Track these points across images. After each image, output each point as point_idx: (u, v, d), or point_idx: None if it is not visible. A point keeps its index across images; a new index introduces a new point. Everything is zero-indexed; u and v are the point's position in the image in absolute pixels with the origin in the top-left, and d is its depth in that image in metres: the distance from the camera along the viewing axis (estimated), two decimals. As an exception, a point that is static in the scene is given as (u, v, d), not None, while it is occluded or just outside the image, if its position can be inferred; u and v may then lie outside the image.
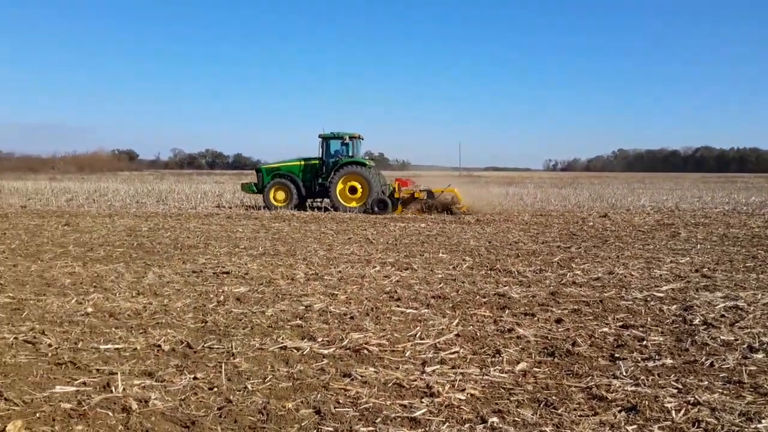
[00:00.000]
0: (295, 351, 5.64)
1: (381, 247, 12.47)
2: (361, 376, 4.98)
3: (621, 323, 6.67)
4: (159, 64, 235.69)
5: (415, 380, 4.89)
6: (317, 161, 22.90)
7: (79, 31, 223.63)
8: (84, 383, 4.78)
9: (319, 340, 5.95)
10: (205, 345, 5.78)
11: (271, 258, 10.95)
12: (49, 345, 5.71)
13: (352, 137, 22.60)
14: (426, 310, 7.11)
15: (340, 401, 4.49)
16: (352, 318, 6.77)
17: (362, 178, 21.70)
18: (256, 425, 4.09)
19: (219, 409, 4.31)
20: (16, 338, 5.88)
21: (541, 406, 4.42)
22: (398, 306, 7.33)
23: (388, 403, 4.45)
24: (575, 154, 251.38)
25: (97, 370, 5.09)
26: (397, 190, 21.90)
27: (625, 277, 9.32)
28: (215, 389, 4.69)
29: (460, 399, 4.52)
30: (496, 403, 4.46)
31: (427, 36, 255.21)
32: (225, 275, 9.22)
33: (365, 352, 5.61)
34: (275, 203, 22.45)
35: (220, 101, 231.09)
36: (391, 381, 4.88)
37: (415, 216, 20.18)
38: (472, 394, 4.63)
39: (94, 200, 26.60)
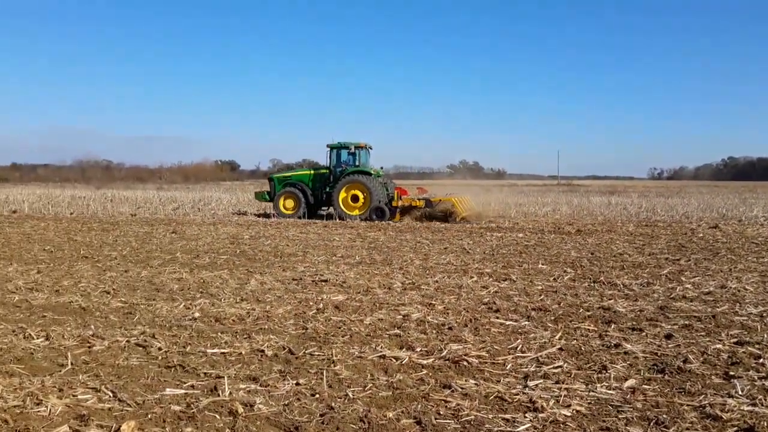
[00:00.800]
0: (394, 360, 5.64)
1: (478, 257, 12.33)
2: (462, 388, 4.91)
3: (735, 340, 6.30)
4: (260, 77, 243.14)
5: (518, 394, 4.78)
6: (326, 170, 23.57)
7: (185, 46, 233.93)
8: (192, 386, 4.95)
9: (418, 350, 5.92)
10: (306, 351, 5.87)
11: (368, 267, 11.03)
12: (159, 348, 5.94)
13: (357, 147, 23.19)
14: (526, 323, 6.96)
15: (441, 413, 4.44)
16: (450, 329, 6.71)
17: (364, 187, 22.13)
18: (357, 433, 4.11)
19: (321, 415, 4.36)
20: (128, 341, 6.16)
21: (652, 424, 4.23)
22: (497, 317, 7.21)
23: (490, 416, 4.37)
24: (681, 161, 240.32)
25: (205, 373, 5.26)
26: (396, 198, 22.46)
27: (739, 291, 8.82)
28: (317, 395, 4.74)
29: (565, 415, 4.38)
30: (604, 421, 4.30)
31: (524, 41, 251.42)
32: (323, 283, 9.35)
33: (465, 363, 5.54)
34: (284, 211, 23.11)
35: (318, 111, 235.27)
36: (493, 394, 4.80)
37: (512, 226, 19.86)
38: (577, 411, 4.48)
39: (199, 209, 27.68)
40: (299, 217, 22.70)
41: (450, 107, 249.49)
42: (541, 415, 4.38)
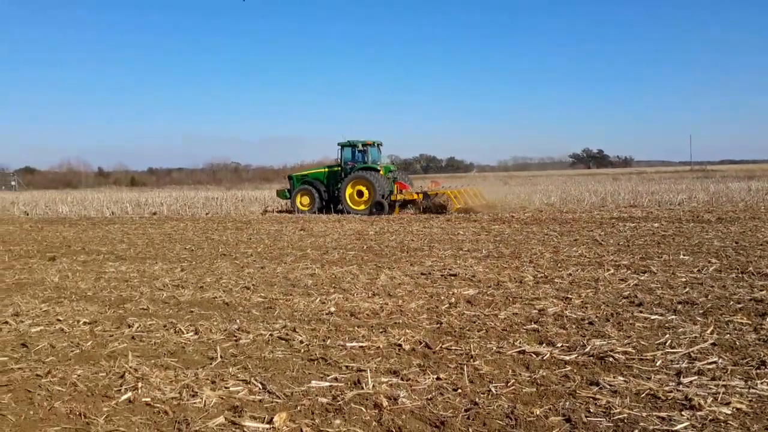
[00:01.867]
0: (535, 356, 5.50)
1: (612, 248, 11.85)
2: (610, 385, 4.71)
3: None
4: (378, 75, 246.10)
5: (671, 391, 4.53)
6: (338, 168, 24.67)
7: (294, 49, 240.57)
8: (336, 379, 5.04)
9: (559, 345, 5.74)
10: (443, 346, 5.83)
11: (496, 260, 10.87)
12: (301, 342, 6.10)
13: (365, 144, 24.25)
14: (673, 317, 6.59)
15: (591, 410, 4.27)
16: (591, 323, 6.46)
17: (368, 182, 23.02)
18: (505, 429, 4.03)
19: (466, 410, 4.31)
20: (271, 335, 6.36)
21: (827, 426, 3.88)
22: (641, 312, 6.88)
23: (644, 414, 4.16)
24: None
25: (346, 366, 5.34)
26: (395, 192, 23.12)
27: None
28: (459, 390, 4.70)
29: (726, 413, 4.11)
30: (769, 420, 3.99)
31: (651, 22, 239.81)
32: (452, 277, 9.30)
33: (611, 359, 5.31)
34: (301, 207, 24.53)
35: (434, 106, 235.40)
36: (644, 391, 4.57)
37: (646, 215, 18.98)
38: (738, 409, 4.18)
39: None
40: (314, 213, 23.90)
41: (572, 94, 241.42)
42: (699, 413, 4.12)
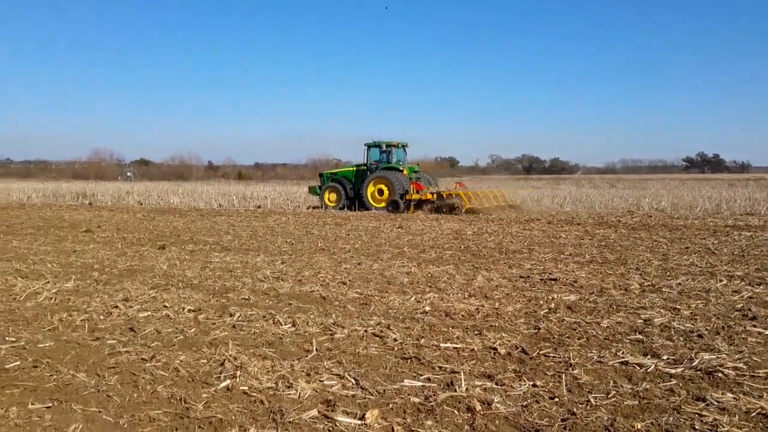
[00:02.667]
0: (638, 368, 5.25)
1: (725, 258, 11.21)
2: (717, 402, 4.43)
3: None
4: (485, 76, 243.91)
5: (789, 413, 4.21)
6: (365, 167, 25.90)
7: (400, 45, 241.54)
8: (429, 379, 4.99)
9: (664, 357, 5.46)
10: (540, 352, 5.67)
11: (600, 266, 10.50)
12: (395, 339, 6.09)
13: (389, 145, 25.54)
14: (792, 333, 6.15)
15: (696, 427, 4.03)
16: (699, 336, 6.12)
17: (388, 181, 24.13)
18: (604, 443, 3.86)
19: (563, 420, 4.16)
20: (365, 331, 6.39)
21: None
22: (754, 326, 6.45)
23: (757, 436, 3.89)
24: None
25: (440, 367, 5.28)
26: (411, 192, 23.74)
27: None
28: (556, 399, 4.54)
29: None
30: None
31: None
32: (553, 282, 9.05)
33: (719, 375, 5.00)
34: (328, 203, 26.01)
35: (535, 106, 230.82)
36: (755, 410, 4.26)
37: (763, 224, 17.88)
38: None
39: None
40: (341, 209, 25.24)
41: (687, 94, 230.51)
42: (820, 440, 3.81)
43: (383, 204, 24.31)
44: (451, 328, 6.49)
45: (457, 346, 5.87)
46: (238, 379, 4.92)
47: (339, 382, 4.91)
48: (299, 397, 4.59)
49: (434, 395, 4.60)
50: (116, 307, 7.34)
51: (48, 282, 8.78)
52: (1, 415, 4.22)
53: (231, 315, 7.04)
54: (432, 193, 23.63)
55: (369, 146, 25.89)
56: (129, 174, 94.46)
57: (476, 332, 6.35)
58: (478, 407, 4.36)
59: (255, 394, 4.63)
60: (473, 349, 5.76)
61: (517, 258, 11.53)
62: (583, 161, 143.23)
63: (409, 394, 4.65)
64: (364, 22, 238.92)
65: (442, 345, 5.89)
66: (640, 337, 6.14)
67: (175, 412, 4.34)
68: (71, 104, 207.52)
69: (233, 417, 4.25)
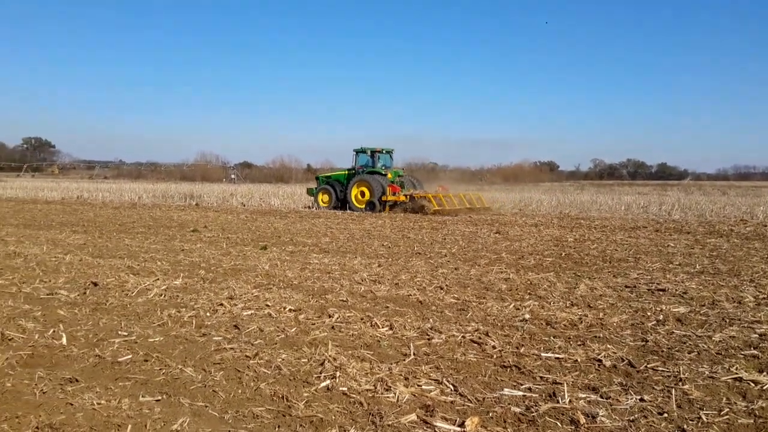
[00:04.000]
0: (753, 384, 4.94)
1: None
2: None
3: None
4: (589, 75, 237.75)
5: None
6: (354, 171, 27.88)
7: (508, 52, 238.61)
8: (529, 389, 4.87)
9: (785, 376, 5.11)
10: (648, 366, 5.43)
11: (711, 277, 9.98)
12: (493, 347, 5.98)
13: (374, 151, 27.59)
14: None
15: (824, 454, 3.74)
16: (825, 355, 5.69)
17: (368, 184, 26.09)
18: (719, 465, 3.64)
19: (673, 438, 3.96)
20: (463, 337, 6.31)
21: None
22: None
23: None
24: None
25: (541, 377, 5.15)
26: (387, 193, 25.48)
27: None
28: (665, 415, 4.33)
29: None
30: None
31: None
32: (661, 292, 8.66)
33: None
34: (321, 204, 28.11)
35: (642, 108, 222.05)
36: None
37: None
38: None
39: (519, 210, 27.93)
40: (333, 209, 27.14)
41: None
42: None
43: (364, 205, 26.38)
44: (552, 338, 6.32)
45: (559, 356, 5.71)
46: (337, 380, 4.96)
47: (437, 387, 4.86)
48: (398, 400, 4.58)
49: (536, 406, 4.48)
50: (221, 304, 7.58)
51: (158, 279, 9.18)
52: (115, 406, 4.43)
53: (330, 316, 7.12)
54: (405, 195, 25.50)
55: (357, 152, 28.06)
56: (233, 176, 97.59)
57: (579, 343, 6.16)
58: (582, 420, 4.21)
59: (354, 396, 4.65)
60: (576, 360, 5.58)
61: (622, 267, 11.13)
62: (692, 167, 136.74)
63: (509, 404, 4.56)
64: (470, 22, 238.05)
65: (543, 354, 5.74)
66: (755, 352, 5.78)
67: (278, 409, 4.42)
68: (181, 109, 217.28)
69: (333, 417, 4.28)
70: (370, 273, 10.13)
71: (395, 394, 4.68)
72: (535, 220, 22.51)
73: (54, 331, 6.29)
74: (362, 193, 26.47)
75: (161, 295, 8.13)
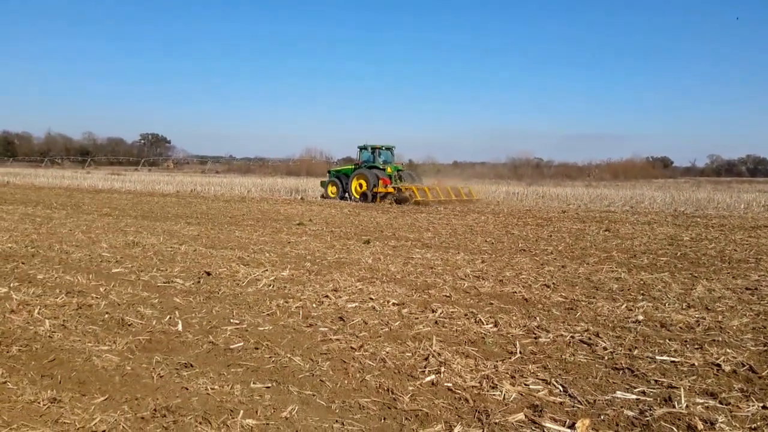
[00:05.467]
0: None
1: None
2: None
3: None
4: (704, 66, 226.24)
5: None
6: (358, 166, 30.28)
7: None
8: (643, 392, 4.67)
9: None
10: (774, 373, 5.09)
11: (844, 281, 9.25)
12: (604, 348, 5.78)
13: (375, 148, 29.95)
14: None
15: None
16: None
17: (365, 177, 28.50)
18: None
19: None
20: (572, 337, 6.13)
21: None
22: None
23: None
24: None
25: (655, 381, 4.93)
26: (379, 186, 27.76)
27: None
28: (796, 427, 4.04)
29: None
30: None
31: None
32: (786, 296, 8.12)
33: None
34: (330, 195, 30.51)
35: (759, 99, 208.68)
36: None
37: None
38: None
39: (630, 207, 26.92)
40: (340, 199, 29.42)
41: None
42: None
43: (359, 195, 28.97)
44: (667, 340, 6.04)
45: (675, 359, 5.45)
46: (442, 375, 4.94)
47: (545, 387, 4.75)
48: (504, 398, 4.50)
49: (650, 410, 4.29)
50: (327, 296, 7.70)
51: (266, 270, 9.44)
52: (227, 391, 4.58)
53: (433, 311, 7.10)
54: (394, 188, 27.62)
55: (360, 148, 30.69)
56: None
57: (696, 346, 5.85)
58: (700, 426, 4.00)
59: (459, 392, 4.61)
60: (693, 364, 5.31)
61: (742, 268, 10.51)
62: None
63: (621, 407, 4.39)
64: (578, 12, 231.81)
65: (657, 357, 5.50)
66: None
67: (383, 401, 4.44)
68: (288, 105, 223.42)
69: (438, 412, 4.26)
70: (473, 269, 10.03)
71: (502, 392, 4.60)
72: (648, 218, 21.60)
73: (170, 318, 6.59)
74: (360, 185, 28.91)
75: (270, 285, 8.35)
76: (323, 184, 32.22)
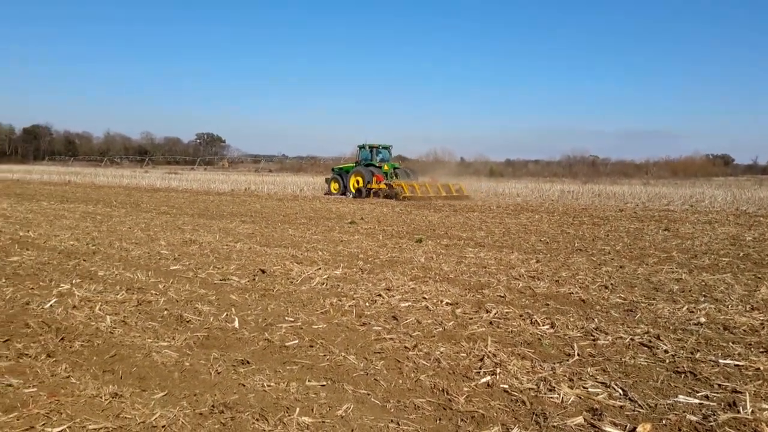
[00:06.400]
0: None
1: None
2: None
3: None
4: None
5: None
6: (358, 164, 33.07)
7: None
8: (706, 397, 4.52)
9: None
10: None
11: None
12: (665, 351, 5.62)
13: (372, 147, 32.97)
14: None
15: None
16: None
17: (361, 174, 30.81)
18: None
19: None
20: (632, 339, 5.98)
21: None
22: None
23: None
24: None
25: (719, 385, 4.77)
26: (373, 182, 30.02)
27: None
28: None
29: None
30: None
31: None
32: None
33: None
34: (333, 191, 32.61)
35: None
36: None
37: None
38: None
39: (690, 206, 26.22)
40: (341, 195, 31.36)
41: None
42: None
43: (355, 190, 31.12)
44: (731, 343, 5.84)
45: (739, 363, 5.26)
46: (498, 377, 4.88)
47: (605, 390, 4.64)
48: (562, 401, 4.41)
49: (714, 415, 4.15)
50: (380, 295, 7.70)
51: (320, 268, 9.50)
52: (283, 389, 4.61)
53: (487, 311, 7.02)
54: (386, 184, 29.76)
55: (360, 147, 33.61)
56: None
57: (762, 350, 5.65)
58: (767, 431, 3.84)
59: (516, 394, 4.54)
60: (758, 369, 5.12)
61: (809, 269, 10.11)
62: None
63: (684, 411, 4.26)
64: (638, 5, 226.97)
65: (721, 361, 5.32)
66: None
67: (438, 402, 4.41)
68: (340, 104, 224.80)
69: (495, 414, 4.20)
70: (528, 269, 9.90)
71: (559, 394, 4.52)
72: (709, 217, 21.00)
73: (227, 315, 6.68)
74: (357, 182, 31.19)
75: (323, 283, 8.40)
76: (327, 181, 34.32)
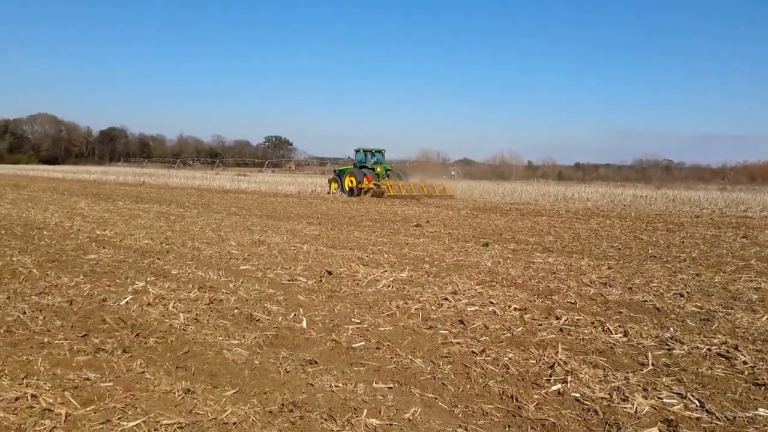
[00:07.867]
0: None
1: None
2: None
3: None
4: None
5: None
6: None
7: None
8: (791, 413, 4.31)
9: None
10: None
11: None
12: (744, 362, 5.40)
13: (366, 151, 35.55)
14: None
15: None
16: None
17: (355, 175, 33.12)
18: None
19: None
20: (709, 349, 5.77)
21: None
22: None
23: None
24: None
25: (805, 401, 4.54)
26: (364, 183, 32.21)
27: None
28: None
29: None
30: None
31: None
32: None
33: None
34: (333, 190, 34.88)
35: None
36: None
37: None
38: None
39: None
40: (339, 195, 33.18)
41: None
42: None
43: (349, 190, 33.66)
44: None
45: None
46: (569, 385, 4.77)
47: (680, 402, 4.48)
48: (636, 412, 4.28)
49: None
50: (446, 299, 7.65)
51: (386, 271, 9.51)
52: (351, 390, 4.63)
53: (557, 318, 6.89)
54: (375, 184, 32.09)
55: (356, 151, 35.97)
56: (453, 173, 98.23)
57: None
58: None
59: (588, 403, 4.44)
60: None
61: None
62: None
63: (765, 425, 4.07)
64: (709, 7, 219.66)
65: (798, 375, 5.07)
66: None
67: (507, 408, 4.35)
68: (406, 106, 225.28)
69: (566, 423, 4.11)
70: (599, 275, 9.67)
71: (633, 405, 4.39)
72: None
73: (295, 315, 6.76)
74: (351, 182, 33.53)
75: (389, 286, 8.40)
76: (329, 181, 36.89)
